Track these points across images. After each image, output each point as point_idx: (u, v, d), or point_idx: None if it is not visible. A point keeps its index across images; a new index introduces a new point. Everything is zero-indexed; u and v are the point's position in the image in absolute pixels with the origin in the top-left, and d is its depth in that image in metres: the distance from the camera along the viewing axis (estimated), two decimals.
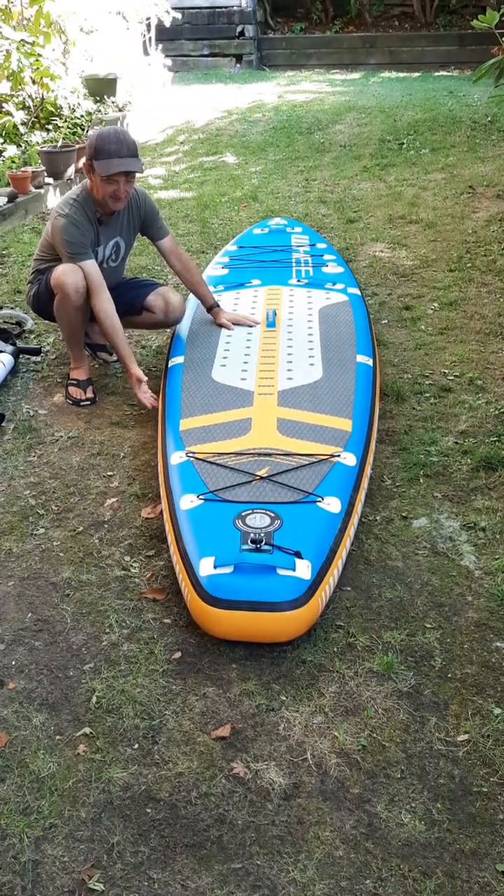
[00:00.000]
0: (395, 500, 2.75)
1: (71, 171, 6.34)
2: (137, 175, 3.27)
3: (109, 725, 1.97)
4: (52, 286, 3.28)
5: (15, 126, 6.48)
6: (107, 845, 1.71)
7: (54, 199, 5.95)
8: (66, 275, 3.20)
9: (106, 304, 3.25)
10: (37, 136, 6.62)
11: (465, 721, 1.96)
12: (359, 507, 2.54)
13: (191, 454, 2.64)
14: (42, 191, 5.95)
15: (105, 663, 2.15)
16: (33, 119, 6.92)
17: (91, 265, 3.24)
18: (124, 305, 3.52)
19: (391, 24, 12.53)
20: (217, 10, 11.91)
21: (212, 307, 3.52)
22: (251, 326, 3.46)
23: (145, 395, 3.23)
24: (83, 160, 3.23)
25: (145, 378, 3.24)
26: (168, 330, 3.78)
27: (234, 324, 3.48)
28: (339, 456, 2.60)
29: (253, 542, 2.22)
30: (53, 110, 7.11)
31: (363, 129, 7.91)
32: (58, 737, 1.95)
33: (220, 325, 3.48)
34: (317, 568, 2.20)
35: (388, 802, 1.78)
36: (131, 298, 3.54)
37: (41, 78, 6.62)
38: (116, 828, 1.74)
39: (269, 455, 2.60)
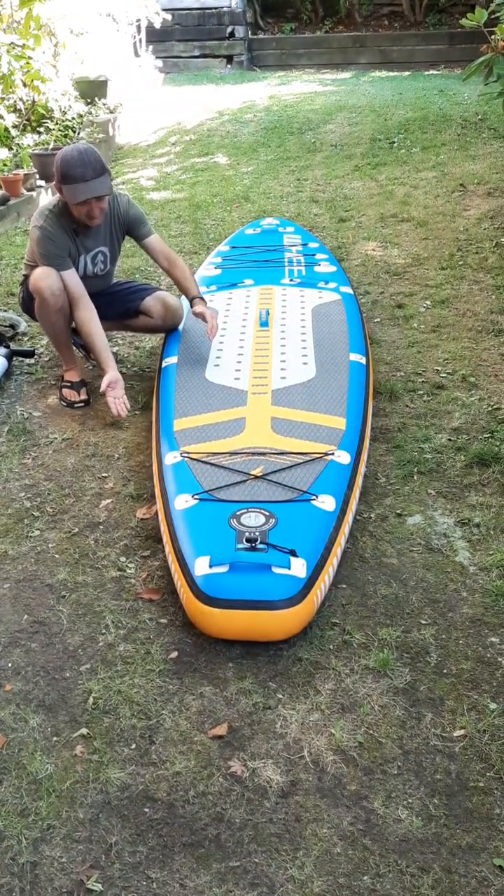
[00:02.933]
0: (389, 497, 2.75)
1: None
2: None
3: (106, 726, 1.97)
4: (31, 291, 3.29)
5: (6, 129, 6.47)
6: (105, 845, 1.71)
7: (46, 202, 5.95)
8: (42, 279, 3.20)
9: (84, 313, 3.23)
10: (28, 139, 6.62)
11: (460, 716, 1.96)
12: (353, 505, 2.54)
13: (185, 454, 2.64)
14: (34, 193, 5.94)
15: (101, 664, 2.15)
16: (24, 122, 6.91)
17: (69, 275, 3.24)
18: (121, 310, 3.51)
19: (381, 23, 12.53)
20: (207, 11, 11.89)
21: (194, 298, 3.41)
22: (213, 331, 3.31)
23: (116, 401, 3.16)
24: (53, 181, 3.22)
25: (119, 379, 3.18)
26: None
27: (203, 319, 3.33)
28: (333, 454, 2.61)
29: (248, 540, 2.22)
30: (44, 113, 7.11)
31: (354, 128, 7.91)
32: (55, 738, 1.95)
33: (197, 315, 3.36)
34: (312, 566, 2.21)
35: (385, 798, 1.78)
36: (128, 303, 3.53)
37: (32, 80, 6.61)
38: (114, 828, 1.74)
39: (264, 454, 2.61)
